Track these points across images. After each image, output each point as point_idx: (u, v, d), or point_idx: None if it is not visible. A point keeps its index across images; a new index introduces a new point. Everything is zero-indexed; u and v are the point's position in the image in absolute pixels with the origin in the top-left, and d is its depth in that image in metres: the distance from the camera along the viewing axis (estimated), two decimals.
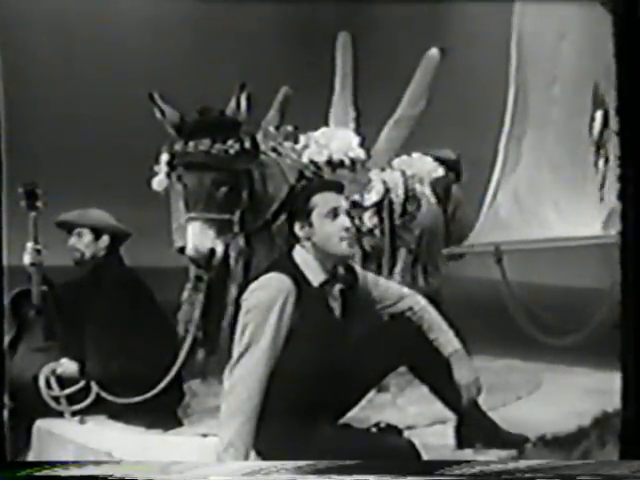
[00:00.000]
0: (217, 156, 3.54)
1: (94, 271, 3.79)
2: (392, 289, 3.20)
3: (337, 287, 3.00)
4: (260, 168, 3.76)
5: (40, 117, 4.66)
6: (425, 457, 2.87)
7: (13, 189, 3.56)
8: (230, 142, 3.56)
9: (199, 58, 4.97)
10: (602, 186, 4.41)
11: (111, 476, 2.91)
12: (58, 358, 3.66)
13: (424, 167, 4.56)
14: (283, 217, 3.61)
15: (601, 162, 4.45)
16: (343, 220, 2.94)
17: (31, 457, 3.52)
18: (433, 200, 4.57)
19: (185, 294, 3.97)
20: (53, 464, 3.06)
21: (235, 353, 2.85)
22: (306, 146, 4.12)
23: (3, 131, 3.40)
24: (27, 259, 3.70)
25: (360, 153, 4.21)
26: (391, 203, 4.23)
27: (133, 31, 4.99)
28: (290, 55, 5.10)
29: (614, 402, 3.30)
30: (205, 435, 3.37)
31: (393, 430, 2.96)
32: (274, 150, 3.98)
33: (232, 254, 3.81)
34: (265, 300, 2.85)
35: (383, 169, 4.30)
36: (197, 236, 3.49)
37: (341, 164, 4.12)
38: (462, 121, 5.25)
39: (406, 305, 3.13)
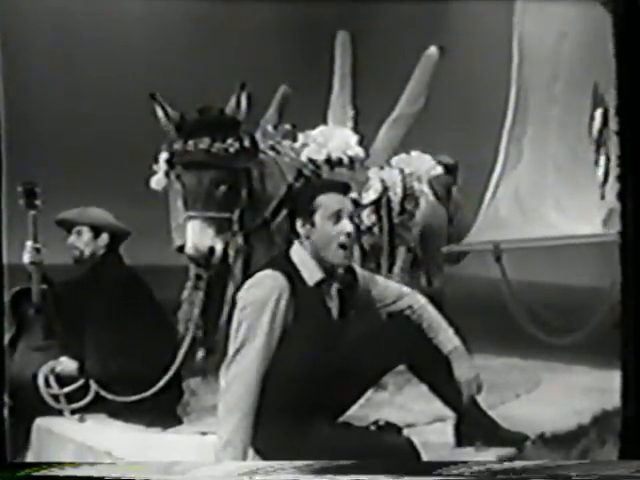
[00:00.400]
0: (217, 155, 3.54)
1: (93, 270, 3.79)
2: (391, 288, 3.20)
3: (335, 287, 3.00)
4: (259, 167, 3.77)
5: (40, 116, 4.66)
6: (424, 455, 2.87)
7: (12, 188, 3.56)
8: (230, 141, 3.57)
9: (198, 57, 4.97)
10: (603, 184, 4.41)
11: (110, 476, 2.92)
12: (57, 356, 3.66)
13: (422, 165, 4.56)
14: (282, 215, 3.62)
15: (602, 160, 4.45)
16: (345, 224, 2.94)
17: (31, 455, 3.53)
18: (432, 198, 4.58)
19: (184, 293, 3.98)
20: (52, 464, 3.06)
21: (230, 350, 2.86)
22: (305, 145, 4.13)
23: (3, 130, 3.41)
24: (27, 258, 3.70)
25: (359, 151, 4.22)
26: (389, 201, 4.23)
27: (133, 30, 4.99)
28: (289, 54, 5.10)
29: (614, 401, 3.30)
30: (204, 433, 3.37)
31: (392, 428, 2.96)
32: (273, 149, 3.99)
33: (231, 253, 3.81)
34: (259, 297, 2.86)
35: (382, 167, 4.31)
36: (196, 235, 3.49)
37: (339, 162, 4.13)
38: (462, 120, 5.26)
39: (405, 304, 3.13)
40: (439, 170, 4.65)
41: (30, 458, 3.49)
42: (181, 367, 3.62)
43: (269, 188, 3.79)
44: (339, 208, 2.94)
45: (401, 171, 4.38)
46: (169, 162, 3.68)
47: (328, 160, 4.10)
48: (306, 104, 4.53)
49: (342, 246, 2.93)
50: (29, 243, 3.70)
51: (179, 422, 3.61)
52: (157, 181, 3.92)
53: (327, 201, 2.94)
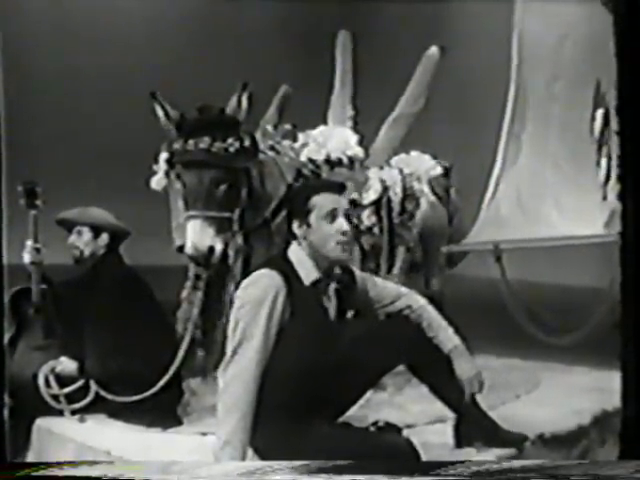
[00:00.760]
0: (217, 154, 3.55)
1: (93, 269, 3.79)
2: (389, 288, 3.20)
3: (332, 287, 3.00)
4: (258, 166, 3.77)
5: (40, 116, 4.65)
6: (424, 456, 2.87)
7: (13, 187, 3.57)
8: (230, 140, 3.57)
9: (199, 56, 4.97)
10: (605, 185, 4.41)
11: (109, 476, 2.92)
12: (57, 356, 3.67)
13: (422, 165, 4.56)
14: (282, 216, 3.62)
15: (603, 161, 4.44)
16: (341, 223, 2.94)
17: (31, 456, 3.53)
18: (432, 198, 4.57)
19: (184, 292, 3.97)
20: (51, 464, 3.07)
21: (228, 350, 2.86)
22: (304, 144, 4.13)
23: (3, 130, 3.41)
24: (27, 257, 3.70)
25: (358, 151, 4.22)
26: (389, 201, 4.23)
27: (133, 29, 4.99)
28: (290, 54, 5.09)
29: (613, 401, 3.31)
30: (204, 434, 3.37)
31: (392, 429, 2.97)
32: (272, 148, 3.99)
33: (231, 252, 3.81)
34: (256, 296, 2.86)
35: (381, 167, 4.30)
36: (196, 234, 3.50)
37: (339, 162, 4.13)
38: (462, 120, 5.25)
39: (404, 304, 3.13)
40: (439, 170, 4.64)
41: (30, 458, 3.49)
42: (181, 367, 3.63)
43: (269, 188, 3.80)
44: (334, 207, 2.94)
45: (401, 171, 4.38)
46: (169, 162, 3.68)
47: (328, 160, 4.10)
48: (306, 104, 4.53)
49: (339, 244, 2.93)
50: (29, 243, 3.70)
51: (179, 422, 3.61)
52: (157, 181, 3.92)
53: (322, 201, 2.94)
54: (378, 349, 2.98)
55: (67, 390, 3.60)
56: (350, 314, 3.06)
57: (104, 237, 3.81)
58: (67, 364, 3.64)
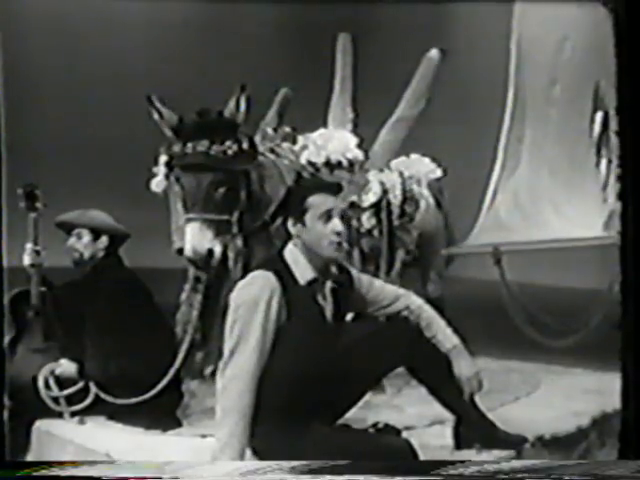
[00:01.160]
0: (215, 157, 3.55)
1: (93, 272, 3.79)
2: (387, 290, 3.20)
3: (328, 286, 3.00)
4: (258, 169, 3.77)
5: (40, 118, 4.66)
6: (423, 458, 2.87)
7: (13, 190, 3.57)
8: (228, 143, 3.58)
9: (198, 59, 4.97)
10: (604, 187, 4.41)
11: (109, 476, 2.92)
12: (57, 359, 3.66)
13: (422, 168, 4.55)
14: (281, 218, 3.62)
15: (603, 163, 4.45)
16: (335, 224, 2.94)
17: (30, 458, 3.52)
18: (432, 201, 4.57)
19: (183, 295, 3.98)
20: (51, 464, 3.07)
21: (226, 352, 2.86)
22: (304, 147, 4.13)
23: (3, 131, 3.42)
24: (27, 260, 3.70)
25: (358, 154, 4.22)
26: (389, 204, 4.23)
27: (133, 32, 4.99)
28: (290, 56, 5.09)
29: (613, 403, 3.30)
30: (204, 436, 3.36)
31: (391, 430, 2.96)
32: (272, 151, 4.00)
33: (230, 255, 3.81)
34: (251, 297, 2.87)
35: (381, 170, 4.31)
36: (195, 237, 3.50)
37: (339, 165, 4.13)
38: (461, 122, 5.25)
39: (402, 305, 3.13)
40: (438, 173, 4.64)
41: (30, 460, 3.49)
42: (180, 369, 3.63)
43: (268, 190, 3.80)
44: (329, 208, 2.95)
45: (400, 174, 4.38)
46: (168, 164, 3.69)
47: (327, 163, 4.10)
48: (306, 106, 4.53)
49: (332, 243, 2.93)
50: (29, 245, 3.70)
51: (179, 424, 3.61)
52: (157, 183, 3.93)
53: (318, 201, 2.95)
54: (377, 351, 2.99)
55: (67, 392, 3.60)
56: (349, 316, 3.07)
57: (104, 239, 3.81)
58: (67, 366, 3.64)
